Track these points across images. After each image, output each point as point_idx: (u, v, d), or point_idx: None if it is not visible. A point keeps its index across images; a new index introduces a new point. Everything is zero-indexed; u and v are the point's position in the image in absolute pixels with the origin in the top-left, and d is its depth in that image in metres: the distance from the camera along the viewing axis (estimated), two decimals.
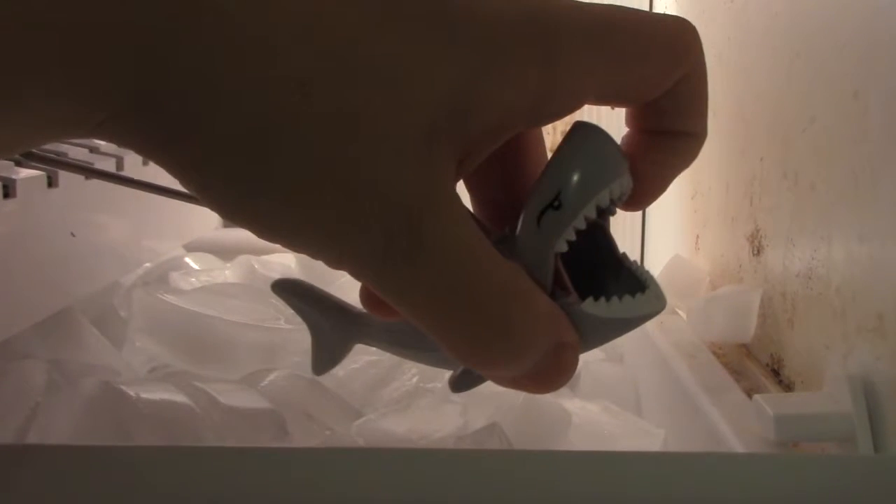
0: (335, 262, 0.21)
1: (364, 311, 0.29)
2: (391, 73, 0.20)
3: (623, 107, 0.24)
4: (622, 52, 0.22)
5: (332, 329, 0.30)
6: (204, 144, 0.19)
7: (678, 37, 0.23)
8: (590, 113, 0.79)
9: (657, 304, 0.23)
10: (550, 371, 0.22)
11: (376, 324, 0.29)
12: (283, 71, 0.19)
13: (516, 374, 0.22)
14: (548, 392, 0.23)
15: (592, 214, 0.22)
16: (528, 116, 0.22)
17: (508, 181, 0.26)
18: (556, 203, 0.22)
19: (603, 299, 0.22)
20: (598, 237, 0.24)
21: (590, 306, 0.22)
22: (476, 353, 0.22)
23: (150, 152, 0.20)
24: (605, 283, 0.23)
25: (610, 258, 0.24)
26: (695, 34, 0.23)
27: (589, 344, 0.23)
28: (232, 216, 0.20)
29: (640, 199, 0.24)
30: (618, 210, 0.24)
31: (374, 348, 0.30)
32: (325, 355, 0.31)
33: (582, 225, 0.22)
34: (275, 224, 0.20)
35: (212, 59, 0.18)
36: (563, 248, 0.22)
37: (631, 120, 0.24)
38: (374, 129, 0.19)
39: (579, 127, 0.23)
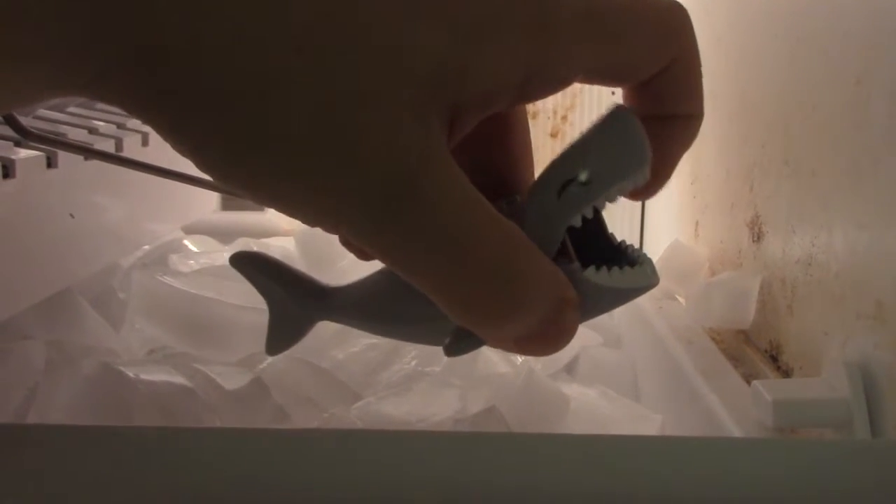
0: (332, 223, 0.21)
1: (331, 285, 0.29)
2: (387, 36, 0.20)
3: (614, 86, 0.24)
4: (614, 27, 0.22)
5: (294, 304, 0.29)
6: (199, 101, 0.19)
7: (669, 17, 0.23)
8: (590, 98, 0.79)
9: (653, 277, 0.24)
10: (553, 329, 0.22)
11: (344, 298, 0.28)
12: (280, 28, 0.19)
13: (519, 333, 0.22)
14: (548, 353, 0.23)
15: (614, 198, 0.23)
16: (518, 86, 0.22)
17: (491, 162, 0.26)
18: (583, 178, 0.23)
19: (605, 268, 0.23)
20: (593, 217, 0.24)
21: (591, 274, 0.23)
22: (480, 307, 0.21)
23: (142, 110, 0.19)
24: (600, 258, 0.24)
25: (601, 238, 0.25)
26: (685, 15, 0.24)
27: (587, 313, 0.24)
28: (226, 177, 0.20)
29: (647, 187, 0.25)
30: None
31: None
32: (283, 334, 0.29)
33: (603, 206, 0.23)
34: (271, 184, 0.20)
35: (207, 13, 0.18)
36: (578, 223, 0.23)
37: (627, 104, 0.25)
38: (370, 89, 0.20)
39: (619, 110, 0.23)
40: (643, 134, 0.23)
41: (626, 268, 0.23)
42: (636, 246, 0.25)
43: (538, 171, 0.25)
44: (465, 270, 0.21)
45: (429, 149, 0.20)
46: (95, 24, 0.18)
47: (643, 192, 0.25)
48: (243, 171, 0.20)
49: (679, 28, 0.23)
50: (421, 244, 0.20)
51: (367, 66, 0.19)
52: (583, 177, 0.23)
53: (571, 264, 0.23)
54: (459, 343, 0.25)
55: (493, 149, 0.26)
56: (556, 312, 0.22)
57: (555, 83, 0.22)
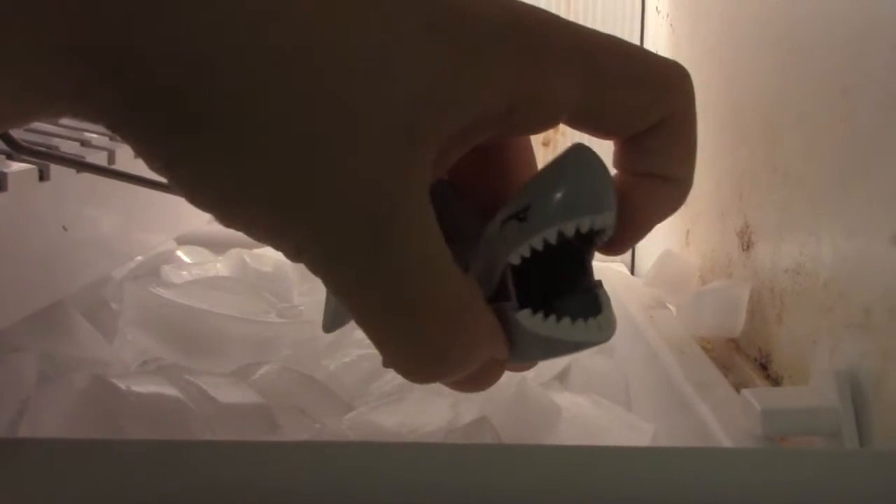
0: (293, 251, 0.20)
1: None
2: (375, 59, 0.19)
3: (602, 136, 0.23)
4: (606, 72, 0.22)
5: None
6: (172, 115, 0.19)
7: (667, 73, 0.23)
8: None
9: (596, 334, 0.22)
10: (473, 382, 0.23)
11: None
12: (263, 45, 0.18)
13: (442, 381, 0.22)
14: (462, 392, 0.23)
15: (553, 240, 0.21)
16: (503, 120, 0.21)
17: (493, 189, 0.25)
18: (522, 215, 0.22)
19: (540, 314, 0.22)
20: (583, 255, 0.23)
21: (524, 317, 0.22)
22: (414, 370, 0.21)
23: (118, 126, 0.19)
24: (568, 304, 0.22)
25: (581, 277, 0.23)
26: (686, 76, 0.23)
27: (519, 356, 0.23)
28: (196, 196, 0.20)
29: (619, 243, 0.24)
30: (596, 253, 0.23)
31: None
32: (330, 316, 0.29)
33: (539, 246, 0.22)
34: (236, 206, 0.20)
35: (190, 25, 0.18)
36: (516, 260, 0.22)
37: (617, 159, 0.24)
38: (353, 115, 0.19)
39: (575, 149, 0.22)
40: (598, 178, 0.22)
41: (566, 318, 0.22)
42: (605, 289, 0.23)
43: None
44: (407, 331, 0.21)
45: (405, 194, 0.20)
46: (73, 38, 0.18)
47: (608, 247, 0.24)
48: (212, 191, 0.20)
49: (675, 86, 0.23)
50: (373, 294, 0.20)
51: (352, 90, 0.19)
52: (522, 214, 0.22)
53: (506, 303, 0.22)
54: None
55: (494, 178, 0.25)
56: (483, 371, 0.22)
57: (542, 116, 0.22)
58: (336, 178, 0.19)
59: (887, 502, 0.24)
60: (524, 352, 0.23)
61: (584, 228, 0.21)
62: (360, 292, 0.20)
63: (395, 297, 0.20)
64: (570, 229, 0.21)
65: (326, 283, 0.21)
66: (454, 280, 0.21)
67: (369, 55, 0.19)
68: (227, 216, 0.20)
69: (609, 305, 0.23)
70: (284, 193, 0.19)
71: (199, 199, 0.20)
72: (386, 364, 0.22)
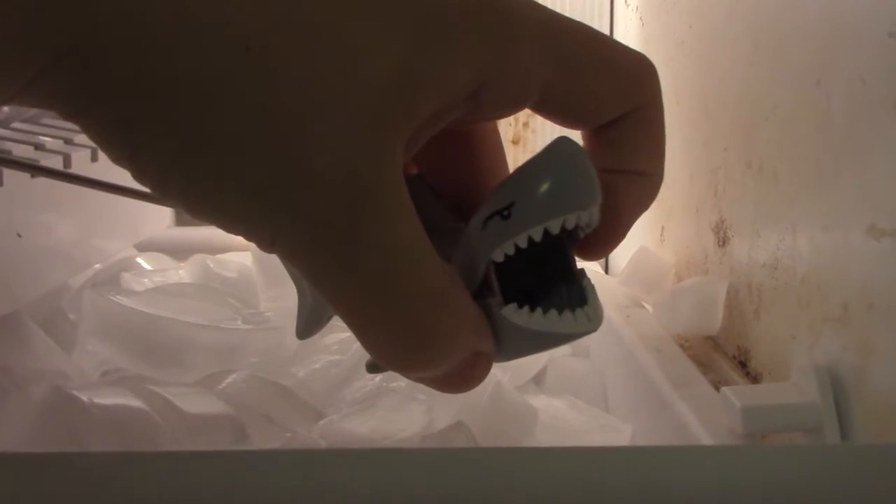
0: (267, 241, 0.20)
1: None
2: (344, 37, 0.19)
3: (570, 125, 0.23)
4: (575, 56, 0.22)
5: (313, 295, 0.28)
6: (136, 101, 0.18)
7: (635, 64, 0.23)
8: None
9: (584, 325, 0.22)
10: (460, 377, 0.22)
11: None
12: (228, 24, 0.18)
13: (426, 377, 0.22)
14: (451, 393, 0.23)
15: (538, 237, 0.21)
16: (471, 94, 0.21)
17: (461, 177, 0.25)
18: (505, 213, 0.21)
19: (526, 308, 0.22)
20: (564, 246, 0.23)
21: (509, 312, 0.22)
22: (395, 355, 0.21)
23: (79, 114, 0.19)
24: (552, 295, 0.22)
25: (565, 269, 0.23)
26: (652, 70, 0.23)
27: (506, 352, 0.23)
28: (163, 185, 0.19)
29: (598, 245, 0.24)
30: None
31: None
32: (304, 322, 0.29)
33: (524, 244, 0.21)
34: (207, 194, 0.19)
35: (151, 6, 0.17)
36: (499, 258, 0.22)
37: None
38: (322, 96, 0.19)
39: (560, 143, 0.22)
40: (584, 173, 0.21)
41: (552, 311, 0.21)
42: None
43: None
44: (388, 317, 0.20)
45: (379, 180, 0.19)
46: (33, 18, 0.17)
47: (588, 252, 0.24)
48: (179, 178, 0.19)
49: (644, 77, 0.23)
50: (352, 280, 0.20)
51: (321, 70, 0.19)
52: (505, 211, 0.21)
53: (491, 299, 0.22)
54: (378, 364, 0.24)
55: (463, 167, 0.25)
56: (467, 365, 0.22)
57: (510, 97, 0.21)
58: (311, 162, 0.19)
59: (871, 496, 0.24)
60: (511, 348, 0.22)
61: (570, 225, 0.21)
62: (339, 278, 0.20)
63: (375, 281, 0.20)
64: (555, 227, 0.21)
65: (303, 271, 0.20)
66: (435, 264, 0.21)
67: (337, 38, 0.19)
68: (196, 207, 0.19)
69: (595, 294, 0.22)
70: (257, 180, 0.19)
71: (166, 190, 0.19)
72: (378, 359, 0.22)
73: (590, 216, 0.21)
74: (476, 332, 0.22)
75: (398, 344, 0.21)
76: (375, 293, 0.20)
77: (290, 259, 0.20)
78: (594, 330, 0.22)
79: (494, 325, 0.22)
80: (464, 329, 0.21)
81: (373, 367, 0.26)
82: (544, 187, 0.21)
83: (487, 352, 0.22)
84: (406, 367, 0.22)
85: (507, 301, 0.22)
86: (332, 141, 0.19)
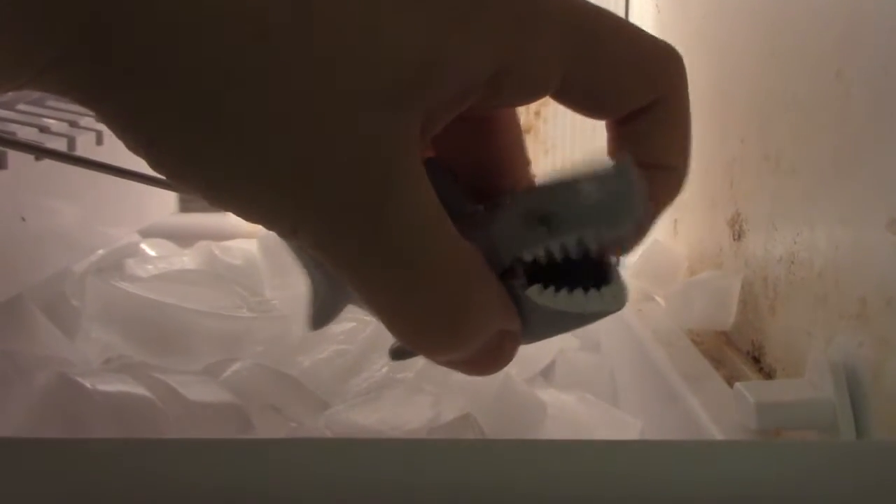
0: (289, 229, 0.20)
1: None
2: (365, 27, 0.19)
3: (591, 114, 0.23)
4: (599, 44, 0.21)
5: (325, 285, 0.28)
6: (156, 90, 0.18)
7: (660, 53, 0.22)
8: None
9: (610, 303, 0.21)
10: (489, 358, 0.22)
11: None
12: (249, 14, 0.18)
13: (454, 359, 0.22)
14: (481, 376, 0.23)
15: (574, 254, 0.21)
16: (491, 85, 0.21)
17: (479, 162, 0.25)
18: (547, 219, 0.21)
19: (552, 289, 0.21)
20: None
21: (534, 293, 0.21)
22: (421, 336, 0.21)
23: (96, 101, 0.18)
24: (574, 274, 0.22)
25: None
26: (678, 59, 0.23)
27: (532, 334, 0.22)
28: (181, 174, 0.19)
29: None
30: None
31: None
32: (317, 312, 0.28)
33: (558, 254, 0.21)
34: (230, 184, 0.19)
35: None
36: (528, 258, 0.21)
37: (610, 149, 0.24)
38: (343, 86, 0.18)
39: (621, 161, 0.21)
40: (636, 192, 0.21)
41: (578, 290, 0.21)
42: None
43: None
44: (415, 297, 0.20)
45: (400, 161, 0.19)
46: (49, 4, 0.17)
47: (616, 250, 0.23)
48: (201, 171, 0.19)
49: (669, 67, 0.22)
50: (376, 262, 0.20)
51: (342, 60, 0.18)
52: (546, 218, 0.21)
53: (514, 280, 0.22)
54: (404, 348, 0.24)
55: (482, 153, 0.25)
56: (494, 345, 0.22)
57: (530, 84, 0.21)
58: (331, 143, 0.18)
59: (887, 494, 0.24)
60: (537, 329, 0.22)
61: (610, 241, 0.21)
62: (364, 261, 0.20)
63: (401, 261, 0.19)
64: (594, 244, 0.21)
65: (326, 258, 0.20)
66: (460, 244, 0.20)
67: (356, 22, 0.19)
68: (216, 197, 0.19)
69: (619, 273, 0.22)
70: (279, 168, 0.18)
71: (184, 178, 0.19)
72: (405, 343, 0.21)
73: (628, 234, 0.21)
74: (503, 310, 0.22)
75: (427, 325, 0.20)
76: (402, 274, 0.20)
77: (312, 244, 0.20)
78: (619, 308, 0.22)
79: (518, 307, 0.22)
80: (492, 307, 0.21)
81: (397, 354, 0.25)
82: (595, 211, 0.21)
83: (515, 330, 0.22)
84: (436, 349, 0.21)
85: (530, 282, 0.22)
86: (352, 120, 0.19)
